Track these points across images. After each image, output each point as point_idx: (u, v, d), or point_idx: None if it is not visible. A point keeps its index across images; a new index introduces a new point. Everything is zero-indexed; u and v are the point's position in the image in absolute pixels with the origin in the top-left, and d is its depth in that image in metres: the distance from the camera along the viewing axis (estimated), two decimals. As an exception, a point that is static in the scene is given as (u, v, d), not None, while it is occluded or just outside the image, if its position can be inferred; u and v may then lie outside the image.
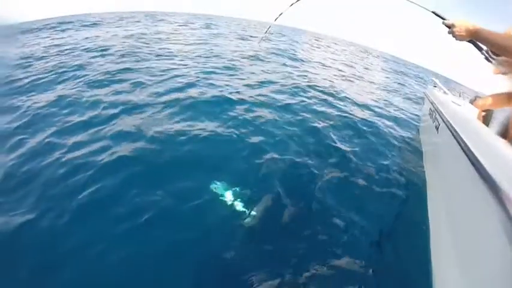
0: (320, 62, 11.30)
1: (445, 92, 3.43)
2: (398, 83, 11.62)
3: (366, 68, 14.33)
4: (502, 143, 1.36)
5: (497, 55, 1.66)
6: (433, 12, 1.89)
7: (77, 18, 16.83)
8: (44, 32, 11.40)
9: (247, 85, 5.68)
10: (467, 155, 1.39)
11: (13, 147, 2.95)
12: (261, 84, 5.95)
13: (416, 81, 15.56)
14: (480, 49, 1.67)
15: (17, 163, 2.68)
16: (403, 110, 6.33)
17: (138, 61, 6.70)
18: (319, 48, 19.06)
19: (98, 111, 3.82)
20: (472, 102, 2.80)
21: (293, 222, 2.30)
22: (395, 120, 4.94)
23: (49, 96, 4.32)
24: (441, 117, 2.31)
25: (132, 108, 3.90)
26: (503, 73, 1.72)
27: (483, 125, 1.88)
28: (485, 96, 2.58)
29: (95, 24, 14.13)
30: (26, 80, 4.98)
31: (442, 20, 1.71)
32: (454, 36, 1.60)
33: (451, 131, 1.85)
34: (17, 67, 5.86)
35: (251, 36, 16.08)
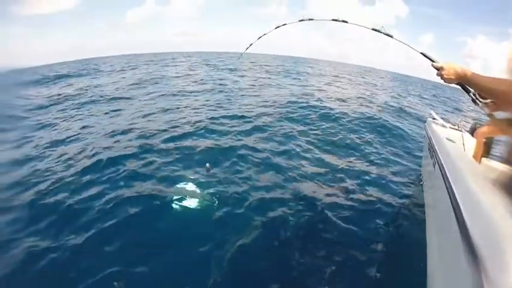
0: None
1: (443, 125, 3.41)
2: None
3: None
4: (487, 193, 1.38)
5: (484, 98, 1.71)
6: (422, 54, 1.96)
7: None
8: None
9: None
10: (453, 208, 1.43)
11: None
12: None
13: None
14: (468, 91, 1.72)
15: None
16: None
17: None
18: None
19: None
20: (472, 131, 2.76)
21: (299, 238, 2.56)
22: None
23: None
24: (436, 157, 2.31)
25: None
26: (489, 115, 1.76)
27: (474, 169, 1.89)
28: (485, 123, 2.56)
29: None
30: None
31: (431, 62, 1.82)
32: (442, 79, 1.62)
33: (442, 176, 1.87)
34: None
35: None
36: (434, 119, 3.72)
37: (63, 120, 6.44)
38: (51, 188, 3.29)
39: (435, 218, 2.16)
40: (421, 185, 3.43)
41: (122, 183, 3.35)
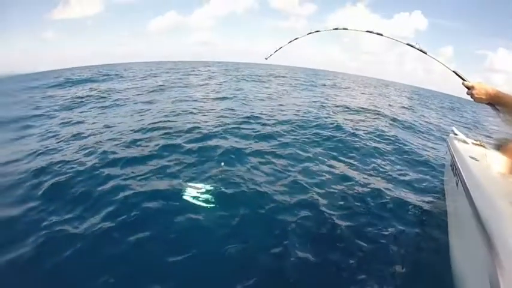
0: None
1: (464, 141, 3.30)
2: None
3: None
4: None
5: (515, 117, 1.68)
6: (454, 72, 1.96)
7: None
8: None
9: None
10: (478, 228, 1.42)
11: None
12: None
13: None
14: (498, 112, 1.71)
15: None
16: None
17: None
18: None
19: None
20: (499, 147, 2.61)
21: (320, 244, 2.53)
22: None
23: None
24: (459, 175, 2.24)
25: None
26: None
27: (499, 187, 1.86)
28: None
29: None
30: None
31: (462, 81, 1.82)
32: (472, 98, 1.64)
33: (466, 195, 1.82)
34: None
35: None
36: (455, 134, 3.65)
37: (87, 119, 6.85)
38: (72, 179, 3.51)
39: (459, 237, 2.13)
40: (443, 199, 3.35)
41: (140, 178, 3.52)
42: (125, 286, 2.04)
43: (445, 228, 2.70)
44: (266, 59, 3.20)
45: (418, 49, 2.01)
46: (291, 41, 2.99)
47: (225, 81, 15.69)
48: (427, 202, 3.54)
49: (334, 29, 2.47)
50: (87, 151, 4.43)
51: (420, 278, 2.24)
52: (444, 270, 2.09)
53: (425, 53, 2.06)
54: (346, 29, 2.38)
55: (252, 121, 6.60)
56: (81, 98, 9.89)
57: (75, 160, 4.08)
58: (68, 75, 19.99)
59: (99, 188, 3.29)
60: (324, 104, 10.02)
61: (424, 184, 4.03)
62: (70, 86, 13.73)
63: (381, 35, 2.09)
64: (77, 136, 5.35)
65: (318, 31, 2.68)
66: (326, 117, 7.63)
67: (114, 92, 11.13)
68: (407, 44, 2.01)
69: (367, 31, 2.18)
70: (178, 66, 30.51)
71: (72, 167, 3.84)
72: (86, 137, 5.26)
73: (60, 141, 5.08)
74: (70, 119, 6.89)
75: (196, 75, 20.11)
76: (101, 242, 2.44)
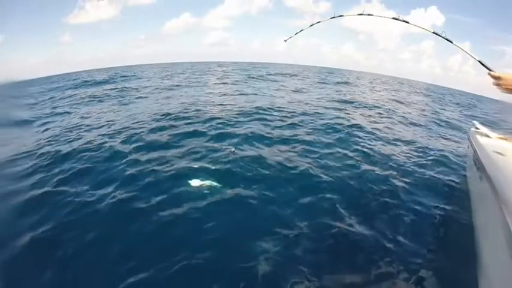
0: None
1: (487, 135, 3.18)
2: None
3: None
4: None
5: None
6: (480, 62, 1.92)
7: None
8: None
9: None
10: (505, 224, 1.38)
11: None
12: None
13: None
14: None
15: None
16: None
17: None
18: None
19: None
20: None
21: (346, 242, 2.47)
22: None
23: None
24: (483, 171, 2.17)
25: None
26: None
27: None
28: None
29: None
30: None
31: (488, 71, 1.81)
32: (500, 89, 1.62)
33: (492, 190, 1.76)
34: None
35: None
36: (477, 128, 3.53)
37: (107, 113, 7.36)
38: (97, 162, 3.86)
39: (485, 232, 2.10)
40: (467, 195, 3.28)
41: (160, 161, 3.79)
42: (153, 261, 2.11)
43: (469, 224, 2.64)
44: (285, 41, 3.21)
45: (444, 38, 2.02)
46: (312, 25, 2.96)
47: (240, 80, 15.81)
48: (449, 198, 3.45)
49: (359, 14, 2.41)
50: (109, 137, 4.93)
51: (443, 277, 2.14)
52: (468, 267, 2.03)
53: (451, 42, 2.07)
54: (371, 15, 2.32)
55: (264, 114, 6.77)
56: (100, 96, 10.39)
57: (99, 144, 4.51)
58: (85, 77, 20.90)
59: (120, 167, 3.64)
60: (338, 100, 9.99)
61: (445, 179, 3.92)
62: (89, 86, 14.32)
63: (407, 22, 2.08)
64: (98, 126, 5.84)
65: (341, 16, 2.67)
66: (340, 113, 7.60)
67: (132, 90, 11.69)
68: (434, 33, 2.02)
69: (393, 18, 2.16)
70: (194, 67, 30.97)
71: (99, 151, 4.23)
72: (106, 127, 5.71)
73: (82, 131, 5.55)
74: (90, 114, 7.41)
75: (212, 74, 20.38)
76: (127, 216, 2.65)
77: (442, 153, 5.05)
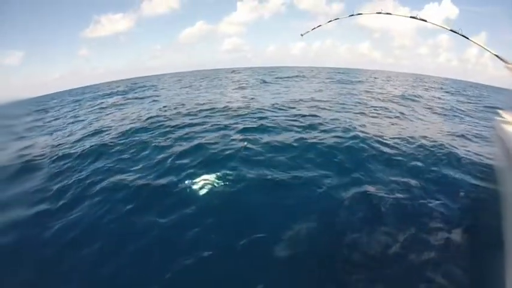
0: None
1: None
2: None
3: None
4: None
5: None
6: (496, 56, 2.04)
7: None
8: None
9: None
10: None
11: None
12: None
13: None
14: None
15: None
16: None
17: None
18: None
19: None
20: None
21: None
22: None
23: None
24: None
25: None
26: None
27: None
28: None
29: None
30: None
31: (504, 64, 1.92)
32: None
33: None
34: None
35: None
36: (503, 117, 3.35)
37: (129, 113, 8.53)
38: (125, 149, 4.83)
39: None
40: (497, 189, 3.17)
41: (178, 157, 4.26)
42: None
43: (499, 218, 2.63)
44: (302, 35, 3.27)
45: (460, 34, 2.14)
46: (330, 21, 3.07)
47: (257, 83, 16.10)
48: (478, 191, 3.37)
49: (377, 12, 2.46)
50: (136, 128, 6.04)
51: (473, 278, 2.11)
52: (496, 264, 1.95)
53: (468, 38, 2.20)
54: (390, 14, 2.37)
55: (280, 111, 7.16)
56: (122, 104, 11.21)
57: (129, 134, 5.66)
58: (105, 88, 22.50)
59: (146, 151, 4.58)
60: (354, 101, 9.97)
61: (473, 172, 3.83)
62: (110, 96, 15.32)
63: (425, 21, 2.16)
64: (123, 122, 7.10)
65: (360, 14, 2.75)
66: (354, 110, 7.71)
67: (152, 95, 13.05)
68: (451, 30, 2.15)
69: (411, 17, 2.23)
70: (210, 74, 32.18)
71: (130, 139, 5.28)
72: (130, 123, 6.80)
73: (110, 127, 6.67)
74: (114, 115, 8.62)
75: (230, 80, 20.82)
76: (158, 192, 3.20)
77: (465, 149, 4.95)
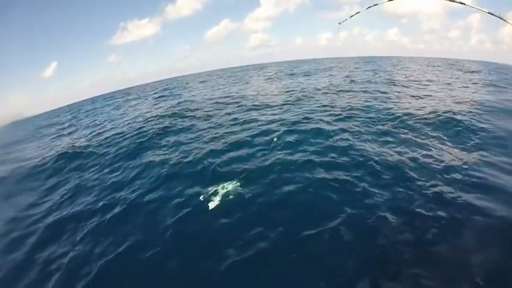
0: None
1: None
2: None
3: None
4: None
5: None
6: None
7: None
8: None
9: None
10: None
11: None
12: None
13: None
14: None
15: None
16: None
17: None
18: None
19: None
20: None
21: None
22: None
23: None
24: None
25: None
26: None
27: None
28: None
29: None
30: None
31: None
32: None
33: None
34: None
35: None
36: None
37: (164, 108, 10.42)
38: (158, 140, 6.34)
39: None
40: None
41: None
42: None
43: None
44: (340, 23, 3.36)
45: (498, 16, 2.19)
46: (369, 7, 3.06)
47: (286, 77, 16.78)
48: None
49: None
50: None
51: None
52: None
53: (506, 21, 2.25)
54: None
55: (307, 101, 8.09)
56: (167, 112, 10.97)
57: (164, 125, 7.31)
58: (138, 91, 25.24)
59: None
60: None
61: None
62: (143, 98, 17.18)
63: (463, 4, 2.27)
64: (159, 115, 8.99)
65: None
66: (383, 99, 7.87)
67: (185, 93, 14.67)
68: (489, 13, 2.20)
69: (451, 0, 2.31)
70: (239, 70, 33.18)
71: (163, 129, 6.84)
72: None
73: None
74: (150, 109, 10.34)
75: (259, 75, 21.55)
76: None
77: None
